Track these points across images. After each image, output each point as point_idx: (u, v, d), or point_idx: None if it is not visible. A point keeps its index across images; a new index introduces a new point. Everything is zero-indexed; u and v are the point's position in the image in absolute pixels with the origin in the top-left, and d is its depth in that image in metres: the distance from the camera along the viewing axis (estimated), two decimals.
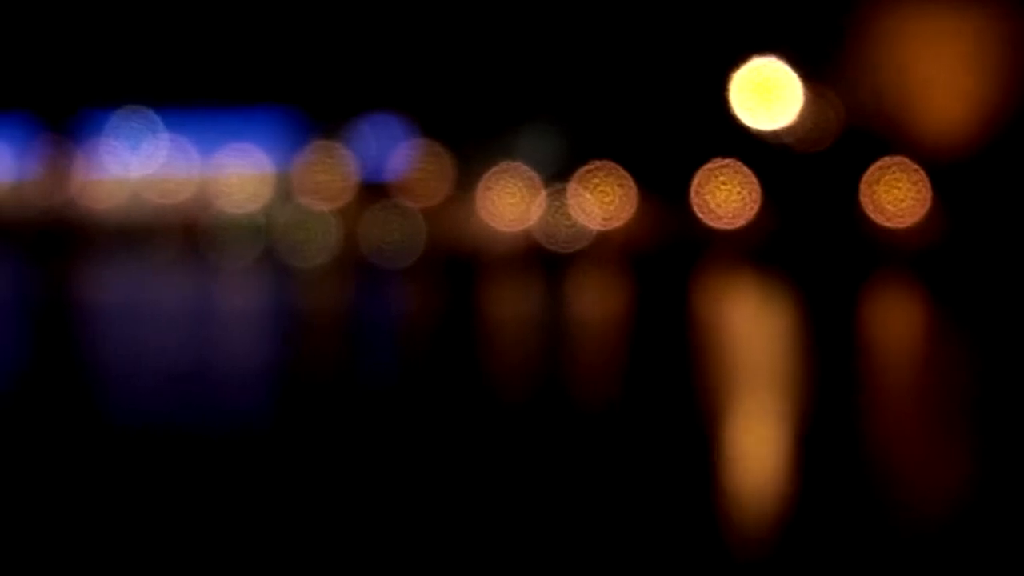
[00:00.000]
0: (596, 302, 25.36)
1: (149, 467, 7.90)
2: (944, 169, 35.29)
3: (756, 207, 37.23)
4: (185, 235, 42.96)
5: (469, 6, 39.51)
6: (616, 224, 38.62)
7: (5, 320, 19.06)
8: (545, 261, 36.39)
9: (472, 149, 40.51)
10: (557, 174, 39.46)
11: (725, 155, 37.34)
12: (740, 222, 37.24)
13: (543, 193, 39.66)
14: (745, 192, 37.35)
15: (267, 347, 16.09)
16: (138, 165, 44.39)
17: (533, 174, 39.93)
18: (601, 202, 38.83)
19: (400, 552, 6.10)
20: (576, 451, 8.67)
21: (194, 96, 42.81)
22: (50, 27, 42.06)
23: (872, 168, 36.05)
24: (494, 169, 40.32)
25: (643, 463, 8.26)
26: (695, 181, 37.74)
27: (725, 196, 37.39)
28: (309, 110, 42.24)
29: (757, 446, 9.24)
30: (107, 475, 7.68)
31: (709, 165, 37.58)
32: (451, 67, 40.17)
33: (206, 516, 6.67)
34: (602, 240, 38.25)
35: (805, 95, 36.83)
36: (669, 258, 36.27)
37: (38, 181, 44.51)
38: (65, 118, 44.20)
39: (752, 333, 18.71)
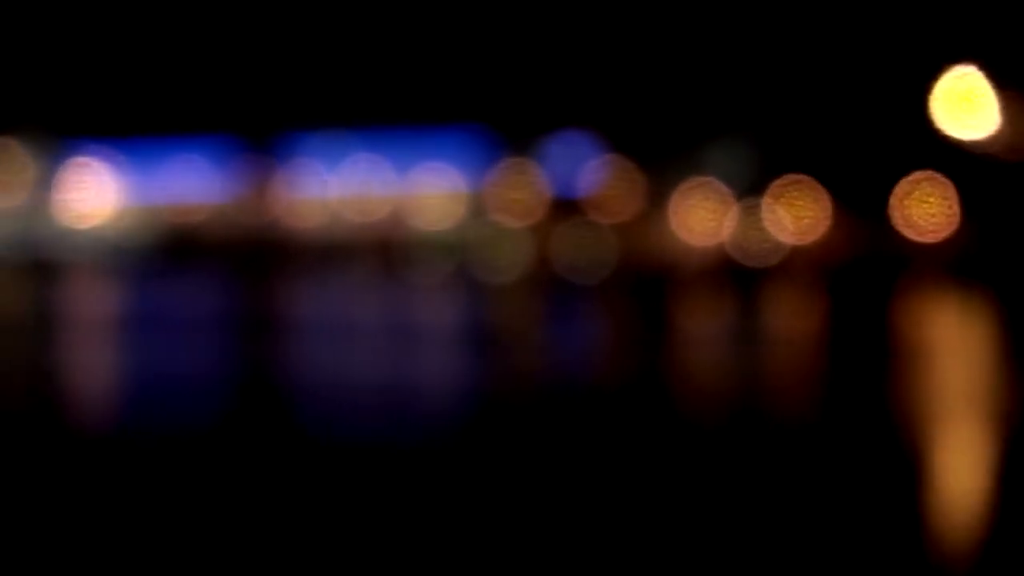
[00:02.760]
0: (792, 318, 24.51)
1: (345, 480, 7.92)
2: None
3: (959, 220, 36.23)
4: (381, 253, 43.22)
5: (661, 22, 39.08)
6: (811, 238, 37.87)
7: (213, 336, 19.23)
8: (739, 276, 35.84)
9: (664, 164, 40.18)
10: (750, 189, 38.89)
11: (925, 167, 36.50)
12: (942, 235, 36.27)
13: (736, 208, 39.03)
14: (947, 205, 36.39)
15: (460, 362, 15.76)
16: (337, 185, 44.84)
17: (725, 189, 39.28)
18: (796, 216, 38.19)
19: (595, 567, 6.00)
20: (773, 471, 8.34)
21: (389, 117, 43.11)
22: (254, 52, 42.50)
23: None
24: (686, 184, 39.74)
25: (843, 484, 7.91)
26: (895, 194, 36.74)
27: (926, 209, 36.53)
28: (501, 128, 42.34)
29: (962, 469, 8.74)
30: (307, 488, 7.68)
31: (910, 177, 36.61)
32: (642, 83, 39.80)
33: (403, 528, 6.66)
34: (797, 255, 37.55)
35: (1008, 104, 35.52)
36: (867, 273, 35.55)
37: (242, 202, 45.03)
38: (268, 140, 44.74)
39: (955, 352, 17.53)
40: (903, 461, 8.68)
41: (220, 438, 9.46)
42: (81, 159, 45.88)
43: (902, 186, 36.69)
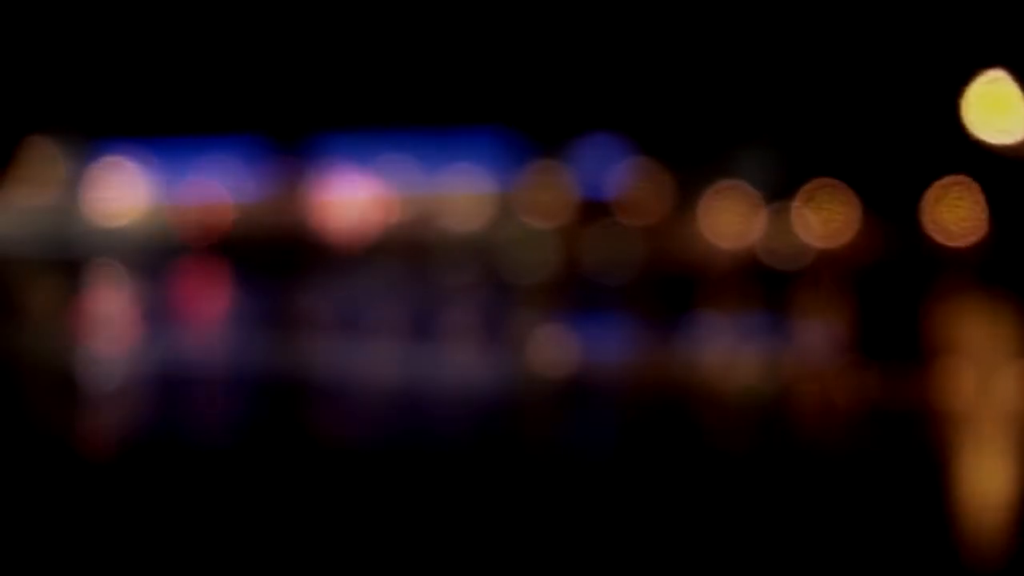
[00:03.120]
0: (820, 321, 24.24)
1: (363, 485, 7.81)
2: None
3: (990, 225, 35.99)
4: (410, 254, 43.15)
5: (688, 26, 38.95)
6: (841, 242, 37.65)
7: (240, 335, 19.36)
8: (767, 279, 35.67)
9: (693, 168, 40.03)
10: (779, 192, 38.75)
11: (956, 172, 36.25)
12: (972, 240, 36.01)
13: (765, 211, 38.88)
14: (978, 209, 36.13)
15: (486, 362, 15.78)
16: (366, 186, 44.83)
17: (754, 192, 39.16)
18: (825, 220, 37.97)
19: None
20: (799, 475, 8.24)
21: (418, 118, 43.05)
22: (283, 53, 42.50)
23: None
24: (715, 187, 39.62)
25: (872, 491, 7.79)
26: (925, 198, 36.53)
27: (957, 213, 36.29)
28: (530, 131, 42.24)
29: (992, 475, 8.64)
30: (329, 489, 7.67)
31: (940, 182, 36.44)
32: (672, 86, 39.66)
33: (426, 530, 6.55)
34: (826, 259, 37.31)
35: None
36: (896, 277, 35.28)
37: (271, 202, 45.02)
38: (297, 141, 44.73)
39: (983, 356, 17.32)
40: (932, 466, 8.61)
41: (246, 439, 9.42)
42: (111, 158, 45.96)
43: (932, 190, 36.51)
